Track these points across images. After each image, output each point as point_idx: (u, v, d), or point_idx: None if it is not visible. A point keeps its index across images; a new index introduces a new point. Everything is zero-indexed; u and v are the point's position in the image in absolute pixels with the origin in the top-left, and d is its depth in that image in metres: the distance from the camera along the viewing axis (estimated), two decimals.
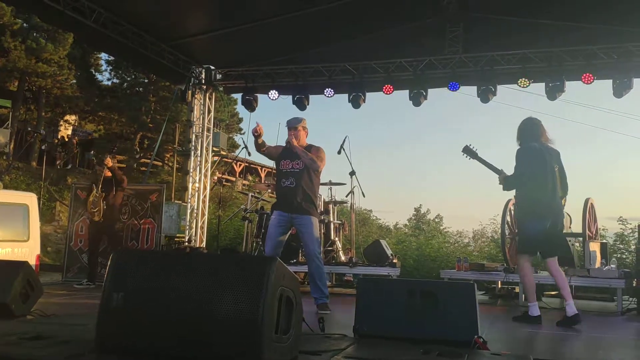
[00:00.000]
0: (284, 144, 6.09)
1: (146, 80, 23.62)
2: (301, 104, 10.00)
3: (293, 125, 6.00)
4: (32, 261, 7.79)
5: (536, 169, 5.45)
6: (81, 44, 20.21)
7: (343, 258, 8.92)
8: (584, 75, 8.68)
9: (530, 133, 5.60)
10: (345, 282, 9.46)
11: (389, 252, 8.91)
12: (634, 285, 7.17)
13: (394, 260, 8.35)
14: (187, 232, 10.73)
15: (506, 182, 5.60)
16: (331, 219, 9.05)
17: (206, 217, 11.17)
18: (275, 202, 6.22)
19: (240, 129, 26.51)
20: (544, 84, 8.95)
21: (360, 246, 10.42)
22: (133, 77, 23.94)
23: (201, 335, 2.65)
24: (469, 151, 5.71)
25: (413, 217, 26.42)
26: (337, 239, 9.02)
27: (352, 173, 8.84)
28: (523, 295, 7.31)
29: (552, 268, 5.53)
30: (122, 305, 2.81)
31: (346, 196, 9.16)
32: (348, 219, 9.71)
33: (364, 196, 9.10)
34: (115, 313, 2.82)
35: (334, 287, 8.82)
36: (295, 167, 5.95)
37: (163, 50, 9.66)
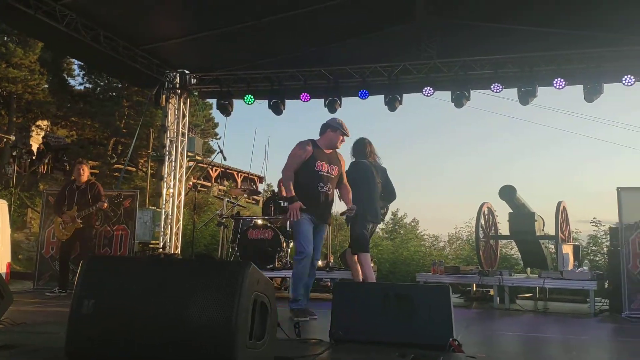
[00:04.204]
0: (313, 140, 5.79)
1: (120, 85, 23.24)
2: (277, 109, 9.94)
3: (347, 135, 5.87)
4: (3, 269, 7.64)
5: (363, 182, 6.39)
6: (52, 51, 19.90)
7: (320, 263, 8.88)
8: (556, 80, 8.79)
9: (362, 151, 6.62)
10: (323, 287, 9.42)
11: None
12: (606, 286, 7.29)
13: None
14: (161, 238, 10.60)
15: None
16: None
17: (181, 223, 11.03)
18: (311, 205, 5.56)
19: (216, 134, 26.21)
20: (516, 89, 9.05)
21: (337, 251, 10.39)
22: (106, 81, 23.56)
23: (174, 340, 2.60)
24: None
25: (390, 222, 26.40)
26: None
27: None
28: (498, 298, 7.41)
29: (364, 261, 6.47)
30: (92, 312, 2.74)
31: None
32: None
33: (340, 200, 9.04)
34: (86, 320, 2.75)
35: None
36: (332, 172, 5.76)
37: (136, 55, 9.54)
